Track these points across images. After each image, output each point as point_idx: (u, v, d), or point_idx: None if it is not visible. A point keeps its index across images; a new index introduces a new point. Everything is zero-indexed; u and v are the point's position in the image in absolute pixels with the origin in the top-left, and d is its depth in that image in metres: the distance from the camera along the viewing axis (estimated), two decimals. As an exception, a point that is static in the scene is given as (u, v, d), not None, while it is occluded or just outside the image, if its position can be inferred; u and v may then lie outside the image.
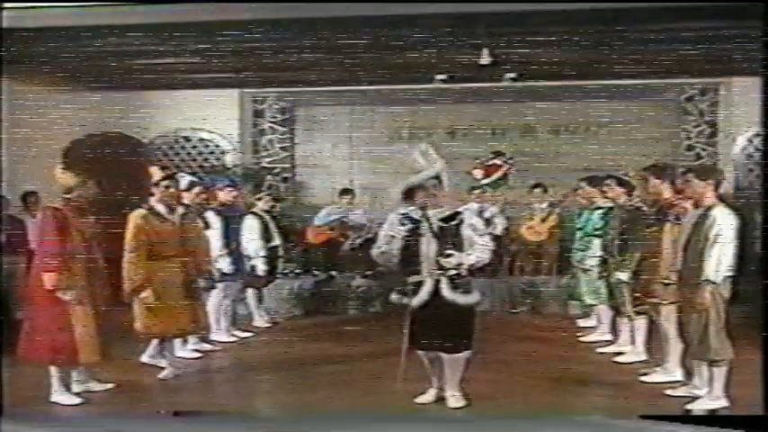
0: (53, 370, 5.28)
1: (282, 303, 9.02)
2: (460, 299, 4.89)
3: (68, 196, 5.28)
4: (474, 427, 4.73)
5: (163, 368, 6.03)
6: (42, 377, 5.27)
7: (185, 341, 6.79)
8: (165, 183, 5.99)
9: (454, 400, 5.07)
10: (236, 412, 5.17)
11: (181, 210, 6.15)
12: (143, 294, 5.73)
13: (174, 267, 5.98)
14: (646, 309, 6.09)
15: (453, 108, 10.79)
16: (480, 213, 9.76)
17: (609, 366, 6.28)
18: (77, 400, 5.29)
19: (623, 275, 6.15)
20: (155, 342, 6.12)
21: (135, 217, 5.82)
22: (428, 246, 4.87)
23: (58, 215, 5.18)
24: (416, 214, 4.94)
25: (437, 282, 4.86)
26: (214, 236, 7.12)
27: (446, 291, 4.86)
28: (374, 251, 5.10)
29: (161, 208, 5.96)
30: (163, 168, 6.16)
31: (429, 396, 5.18)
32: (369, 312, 9.05)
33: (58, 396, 5.27)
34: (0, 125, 7.86)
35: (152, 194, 5.99)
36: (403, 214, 4.99)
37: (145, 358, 6.16)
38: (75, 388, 5.42)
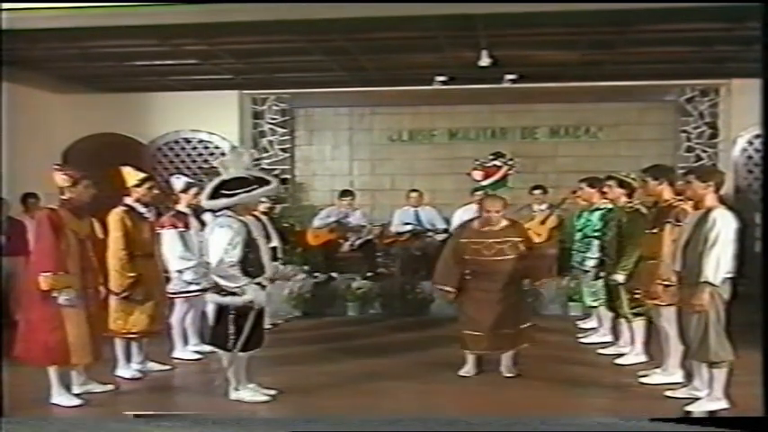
0: (52, 371, 5.26)
1: (282, 305, 9.00)
2: None
3: (64, 197, 5.28)
4: (475, 427, 4.72)
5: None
6: (42, 378, 5.25)
7: (186, 343, 6.79)
8: (147, 184, 6.06)
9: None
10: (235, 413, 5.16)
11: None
12: (134, 291, 5.78)
13: (153, 265, 6.06)
14: (644, 310, 6.09)
15: (453, 109, 10.79)
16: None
17: (609, 368, 6.28)
18: (77, 402, 5.28)
19: (619, 277, 6.14)
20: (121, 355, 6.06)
21: (115, 215, 5.86)
22: (265, 250, 5.22)
23: (53, 217, 5.18)
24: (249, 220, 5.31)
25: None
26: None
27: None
28: (219, 259, 5.04)
29: (139, 207, 6.01)
30: (138, 169, 6.17)
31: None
32: (368, 314, 9.06)
33: (58, 397, 5.26)
34: (0, 126, 7.84)
35: (128, 195, 6.03)
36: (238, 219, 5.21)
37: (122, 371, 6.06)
38: (76, 389, 5.42)
